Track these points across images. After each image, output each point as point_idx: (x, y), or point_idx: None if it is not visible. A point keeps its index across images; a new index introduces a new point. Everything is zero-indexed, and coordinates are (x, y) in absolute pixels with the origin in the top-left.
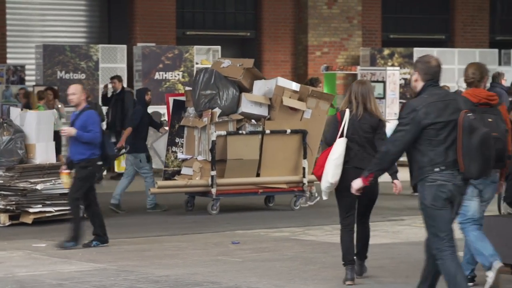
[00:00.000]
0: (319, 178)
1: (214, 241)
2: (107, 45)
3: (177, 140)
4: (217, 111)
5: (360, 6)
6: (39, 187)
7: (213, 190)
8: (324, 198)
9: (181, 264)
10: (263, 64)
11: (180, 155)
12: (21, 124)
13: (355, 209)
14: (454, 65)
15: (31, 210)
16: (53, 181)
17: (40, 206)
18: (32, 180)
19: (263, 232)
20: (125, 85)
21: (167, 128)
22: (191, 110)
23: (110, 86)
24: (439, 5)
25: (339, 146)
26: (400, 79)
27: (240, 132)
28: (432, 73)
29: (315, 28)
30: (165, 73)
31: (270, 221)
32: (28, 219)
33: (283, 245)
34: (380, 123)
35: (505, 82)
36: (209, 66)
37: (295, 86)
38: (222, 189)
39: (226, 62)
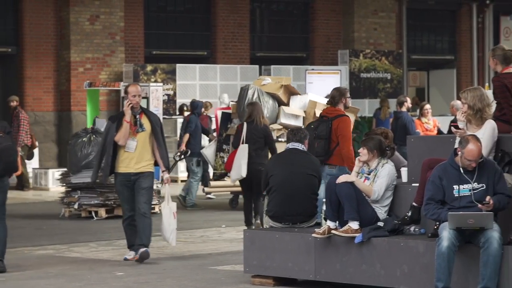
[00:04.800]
0: (229, 171)
1: None
2: None
3: (224, 146)
4: None
5: (122, 22)
6: None
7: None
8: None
9: None
10: (25, 81)
11: None
12: None
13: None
14: (216, 81)
15: None
16: None
17: None
18: None
19: (26, 250)
20: None
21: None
22: (236, 121)
23: None
24: (201, 22)
25: (244, 150)
26: (163, 95)
27: (280, 140)
28: None
29: (78, 44)
30: None
31: (34, 238)
32: None
33: (47, 263)
34: (266, 132)
35: None
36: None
37: (325, 100)
38: None
39: (266, 80)
